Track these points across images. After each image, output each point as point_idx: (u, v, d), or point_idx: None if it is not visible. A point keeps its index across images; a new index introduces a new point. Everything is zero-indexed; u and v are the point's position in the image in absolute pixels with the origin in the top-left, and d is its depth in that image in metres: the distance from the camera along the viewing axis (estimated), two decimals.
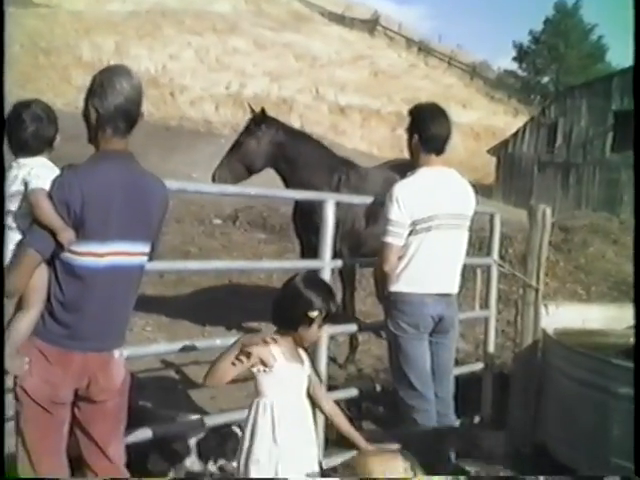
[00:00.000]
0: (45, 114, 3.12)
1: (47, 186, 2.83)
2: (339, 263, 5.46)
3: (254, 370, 3.21)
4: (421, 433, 4.37)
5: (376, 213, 7.15)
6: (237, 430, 4.63)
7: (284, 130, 7.06)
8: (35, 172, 2.89)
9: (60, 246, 2.83)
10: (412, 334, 4.28)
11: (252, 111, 7.04)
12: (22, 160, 2.96)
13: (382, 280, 4.30)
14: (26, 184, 2.88)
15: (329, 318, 3.34)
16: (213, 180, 6.81)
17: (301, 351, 3.38)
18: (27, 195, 2.85)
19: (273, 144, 6.87)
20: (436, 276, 4.30)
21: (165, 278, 9.59)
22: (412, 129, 4.35)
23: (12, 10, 26.79)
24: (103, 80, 2.95)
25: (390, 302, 4.30)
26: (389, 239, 4.14)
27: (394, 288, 4.25)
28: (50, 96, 20.36)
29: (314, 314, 3.21)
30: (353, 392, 5.36)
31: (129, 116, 2.95)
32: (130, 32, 33.95)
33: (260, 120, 6.88)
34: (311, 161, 6.96)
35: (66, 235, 2.81)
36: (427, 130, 4.29)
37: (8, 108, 3.04)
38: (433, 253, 4.23)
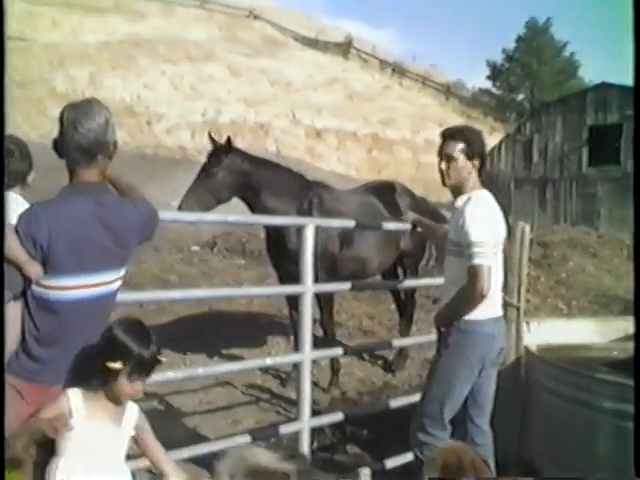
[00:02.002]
0: (17, 148, 3.10)
1: (14, 221, 2.80)
2: (321, 287, 5.44)
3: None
4: None
5: (350, 236, 7.17)
6: None
7: (248, 159, 7.02)
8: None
9: (28, 280, 2.79)
10: (476, 370, 4.15)
11: (212, 141, 6.99)
12: None
13: (468, 306, 4.02)
14: None
15: (145, 369, 2.90)
16: (180, 210, 6.73)
17: (128, 408, 3.00)
18: None
19: (239, 174, 6.84)
20: (497, 300, 4.26)
21: (145, 308, 9.50)
22: (473, 154, 4.19)
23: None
24: (61, 116, 2.95)
25: (460, 332, 4.09)
26: (482, 261, 3.93)
27: (470, 316, 4.06)
28: (26, 129, 20.28)
29: (115, 366, 2.79)
30: (338, 416, 5.31)
31: (85, 148, 2.93)
32: (104, 63, 33.87)
33: (226, 150, 6.84)
34: (276, 188, 6.94)
35: (32, 268, 2.78)
36: (485, 155, 4.30)
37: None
38: (497, 276, 4.18)
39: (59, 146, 2.94)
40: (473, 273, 3.94)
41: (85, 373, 2.90)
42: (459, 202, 4.20)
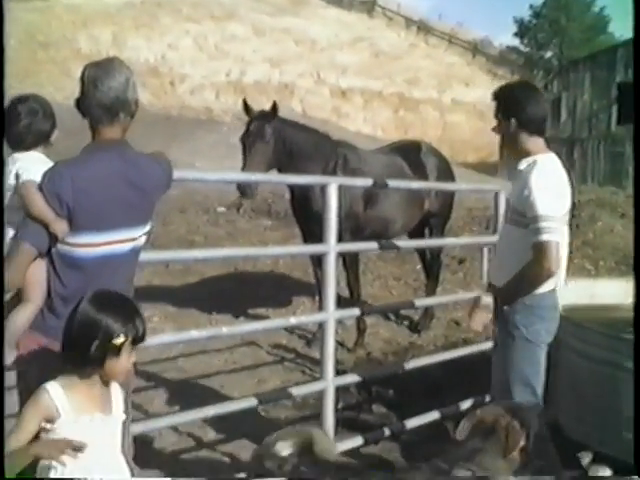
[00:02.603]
0: (41, 108, 3.14)
1: (38, 179, 2.83)
2: (344, 247, 5.44)
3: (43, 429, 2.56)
4: None
5: (375, 196, 7.15)
6: None
7: (288, 124, 7.00)
8: (26, 165, 2.89)
9: (54, 238, 2.82)
10: (547, 342, 4.01)
11: (246, 107, 6.90)
12: (16, 155, 2.98)
13: (534, 285, 3.79)
14: (18, 177, 2.88)
15: (138, 340, 2.69)
16: (244, 193, 6.68)
17: (113, 391, 2.75)
18: (18, 188, 2.85)
19: (282, 140, 6.81)
20: (562, 273, 3.98)
21: (171, 268, 9.58)
22: (506, 114, 3.89)
23: (8, 5, 26.67)
24: (82, 75, 2.97)
25: (526, 308, 3.85)
26: (550, 237, 3.66)
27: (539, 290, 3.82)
28: (50, 90, 20.30)
29: (120, 340, 2.59)
30: (361, 376, 5.34)
31: (107, 106, 2.94)
32: (127, 23, 33.78)
33: (271, 116, 6.79)
34: (308, 152, 6.90)
35: (58, 226, 2.80)
36: (528, 112, 3.88)
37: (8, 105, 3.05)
38: (564, 249, 3.92)
39: (81, 104, 2.97)
40: (540, 250, 3.68)
41: (77, 358, 2.61)
42: (523, 165, 3.89)
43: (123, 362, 2.64)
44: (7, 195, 2.91)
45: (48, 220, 2.78)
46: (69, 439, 2.53)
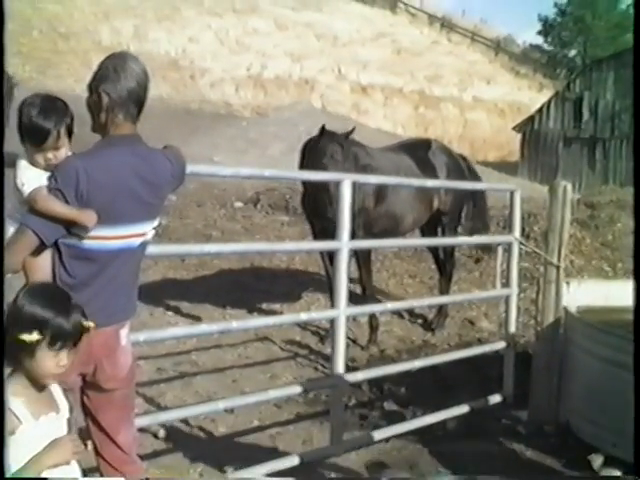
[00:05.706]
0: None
1: (39, 183, 2.74)
2: (357, 244, 5.43)
3: None
4: None
5: (384, 192, 7.15)
6: None
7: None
8: (20, 179, 2.78)
9: (84, 230, 2.77)
10: None
11: (323, 131, 6.83)
12: (23, 163, 2.85)
13: None
14: (22, 185, 2.78)
15: (70, 338, 2.35)
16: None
17: (53, 389, 2.46)
18: (27, 201, 2.75)
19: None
20: None
21: (187, 262, 9.59)
22: None
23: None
24: (115, 65, 2.90)
25: None
26: None
27: None
28: (70, 82, 20.37)
29: (30, 338, 2.24)
30: (375, 373, 5.34)
31: (140, 100, 2.93)
32: (149, 15, 33.82)
33: (345, 140, 6.84)
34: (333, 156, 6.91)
35: (86, 217, 2.75)
36: None
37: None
38: None
39: (115, 98, 2.87)
40: None
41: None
42: None
43: (43, 362, 2.30)
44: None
45: (73, 217, 2.74)
46: (70, 437, 2.38)
